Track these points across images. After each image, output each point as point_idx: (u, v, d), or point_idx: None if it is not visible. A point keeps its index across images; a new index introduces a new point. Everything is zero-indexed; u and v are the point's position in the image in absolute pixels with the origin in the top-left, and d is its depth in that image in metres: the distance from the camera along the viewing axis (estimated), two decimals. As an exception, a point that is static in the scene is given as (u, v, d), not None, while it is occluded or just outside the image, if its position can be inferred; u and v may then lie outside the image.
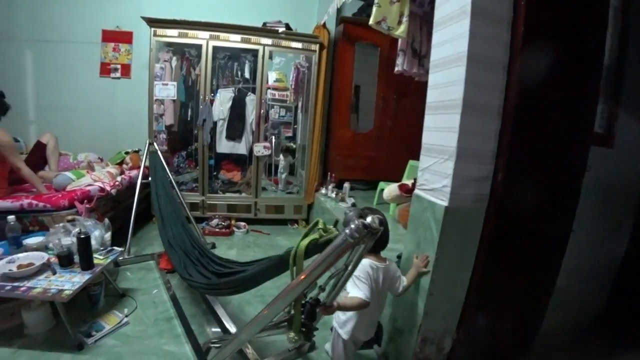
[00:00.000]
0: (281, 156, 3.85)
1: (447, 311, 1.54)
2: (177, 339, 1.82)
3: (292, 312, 1.23)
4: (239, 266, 1.62)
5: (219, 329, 1.91)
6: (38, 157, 2.96)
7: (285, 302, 1.14)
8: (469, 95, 1.31)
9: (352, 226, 0.96)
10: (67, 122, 3.92)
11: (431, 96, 1.53)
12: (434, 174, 1.46)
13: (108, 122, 3.99)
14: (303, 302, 1.18)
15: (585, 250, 1.94)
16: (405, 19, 2.25)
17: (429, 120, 1.55)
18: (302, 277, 1.06)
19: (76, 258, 1.86)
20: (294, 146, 4.01)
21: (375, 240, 1.22)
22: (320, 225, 1.16)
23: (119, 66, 3.92)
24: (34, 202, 2.29)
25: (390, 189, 2.60)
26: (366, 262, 1.40)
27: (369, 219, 0.99)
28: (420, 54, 2.65)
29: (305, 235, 1.16)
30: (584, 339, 2.08)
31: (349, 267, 1.19)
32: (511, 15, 1.34)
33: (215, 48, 3.37)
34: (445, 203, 1.37)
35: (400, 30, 2.26)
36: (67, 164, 3.39)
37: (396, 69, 2.72)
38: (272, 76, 3.71)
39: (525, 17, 1.32)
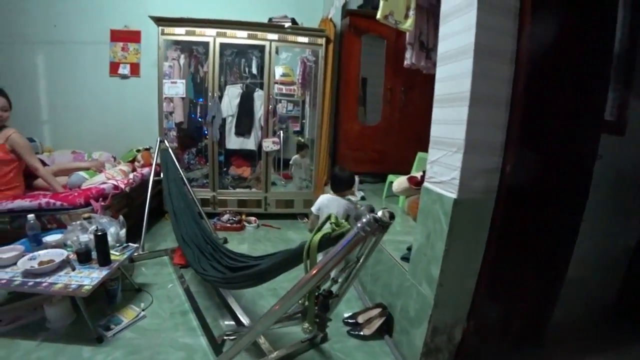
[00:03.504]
0: (297, 157, 3.84)
1: (457, 301, 1.56)
2: (192, 332, 1.87)
3: (307, 303, 1.26)
4: (253, 260, 1.65)
5: (232, 322, 1.95)
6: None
7: (300, 294, 1.17)
8: (477, 87, 1.31)
9: (364, 220, 0.99)
10: (80, 121, 4.00)
11: (439, 89, 1.53)
12: (443, 166, 1.47)
13: (119, 121, 4.04)
14: (316, 294, 1.21)
15: (597, 239, 1.94)
16: (412, 12, 2.23)
17: (437, 113, 1.55)
18: (316, 270, 1.09)
19: (94, 254, 1.91)
20: (303, 140, 4.02)
21: (335, 183, 2.33)
22: (332, 220, 1.18)
23: (128, 65, 3.96)
24: (52, 200, 2.36)
25: (399, 182, 2.61)
26: (324, 195, 2.32)
27: (379, 213, 1.01)
28: (428, 46, 2.64)
29: (318, 229, 1.19)
30: (595, 328, 2.08)
31: (361, 260, 1.22)
32: (518, 5, 1.33)
33: (222, 45, 3.39)
34: (454, 195, 1.38)
35: (408, 24, 2.25)
36: (82, 162, 3.47)
37: (405, 62, 2.72)
38: (279, 70, 3.72)
39: (532, 6, 1.32)
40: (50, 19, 3.79)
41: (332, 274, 1.24)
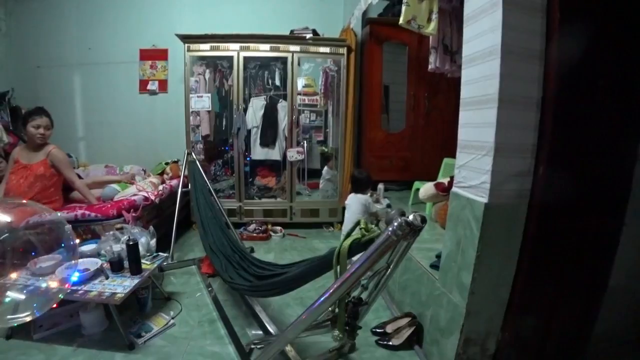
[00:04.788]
0: (326, 169, 3.87)
1: (490, 311, 1.50)
2: (220, 340, 1.89)
3: (337, 310, 1.25)
4: (280, 268, 1.65)
5: (260, 331, 1.95)
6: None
7: (331, 301, 1.15)
8: (505, 88, 1.28)
9: (395, 224, 0.97)
10: (112, 137, 4.20)
11: (465, 92, 1.50)
12: (472, 170, 1.43)
13: (149, 135, 4.21)
14: (346, 301, 1.19)
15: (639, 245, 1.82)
16: (434, 16, 2.22)
17: (464, 116, 1.52)
18: (347, 275, 1.07)
19: (126, 264, 1.97)
20: (327, 150, 4.03)
21: (355, 184, 2.69)
22: (362, 225, 1.17)
23: (156, 82, 4.13)
24: (87, 212, 2.47)
25: (425, 188, 2.57)
26: (349, 196, 2.67)
27: (411, 217, 0.99)
28: (452, 50, 2.60)
29: (348, 235, 1.18)
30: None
31: (391, 266, 1.19)
32: (545, 2, 1.29)
33: (246, 58, 3.48)
34: (484, 200, 1.34)
35: (431, 28, 2.23)
36: (114, 175, 3.61)
37: (429, 67, 2.69)
38: (301, 81, 3.76)
39: (560, 2, 1.27)
40: (86, 42, 4.04)
41: (362, 280, 1.23)
